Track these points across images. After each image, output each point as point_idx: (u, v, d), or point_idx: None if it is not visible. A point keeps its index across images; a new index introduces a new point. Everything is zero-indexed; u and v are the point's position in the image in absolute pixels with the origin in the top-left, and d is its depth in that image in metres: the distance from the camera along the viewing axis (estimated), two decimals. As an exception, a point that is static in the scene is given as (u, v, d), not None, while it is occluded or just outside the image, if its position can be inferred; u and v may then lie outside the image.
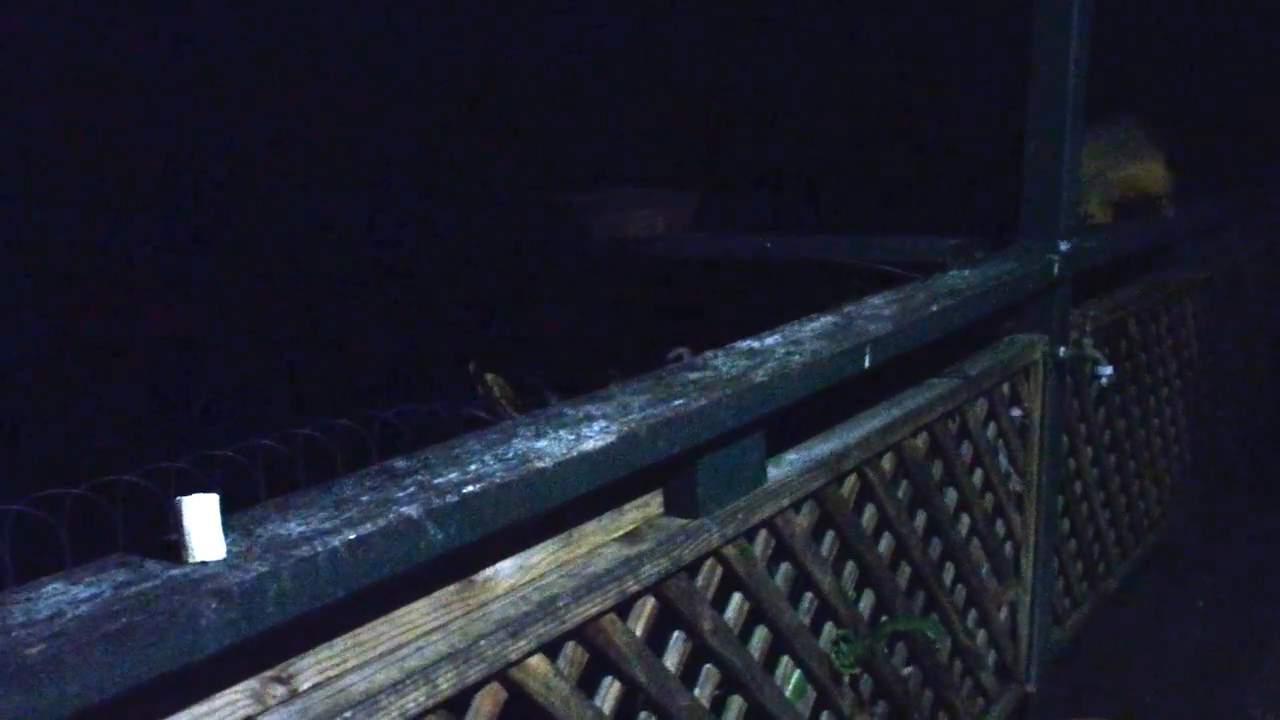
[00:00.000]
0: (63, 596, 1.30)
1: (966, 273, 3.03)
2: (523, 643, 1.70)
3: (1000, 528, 3.32)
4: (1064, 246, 3.32)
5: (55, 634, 1.22)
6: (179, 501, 1.39)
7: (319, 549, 1.40)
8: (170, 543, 1.38)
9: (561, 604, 1.77)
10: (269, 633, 1.38)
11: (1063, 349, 3.41)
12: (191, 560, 1.37)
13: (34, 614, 1.26)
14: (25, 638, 1.21)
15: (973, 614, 3.22)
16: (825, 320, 2.50)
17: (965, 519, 3.10)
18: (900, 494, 2.75)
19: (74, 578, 1.34)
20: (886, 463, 2.67)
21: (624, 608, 1.91)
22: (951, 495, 3.03)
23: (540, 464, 1.66)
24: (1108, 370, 3.57)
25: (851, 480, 2.55)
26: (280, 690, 1.51)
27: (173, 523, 1.38)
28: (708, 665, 2.14)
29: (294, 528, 1.45)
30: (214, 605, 1.30)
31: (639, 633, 1.95)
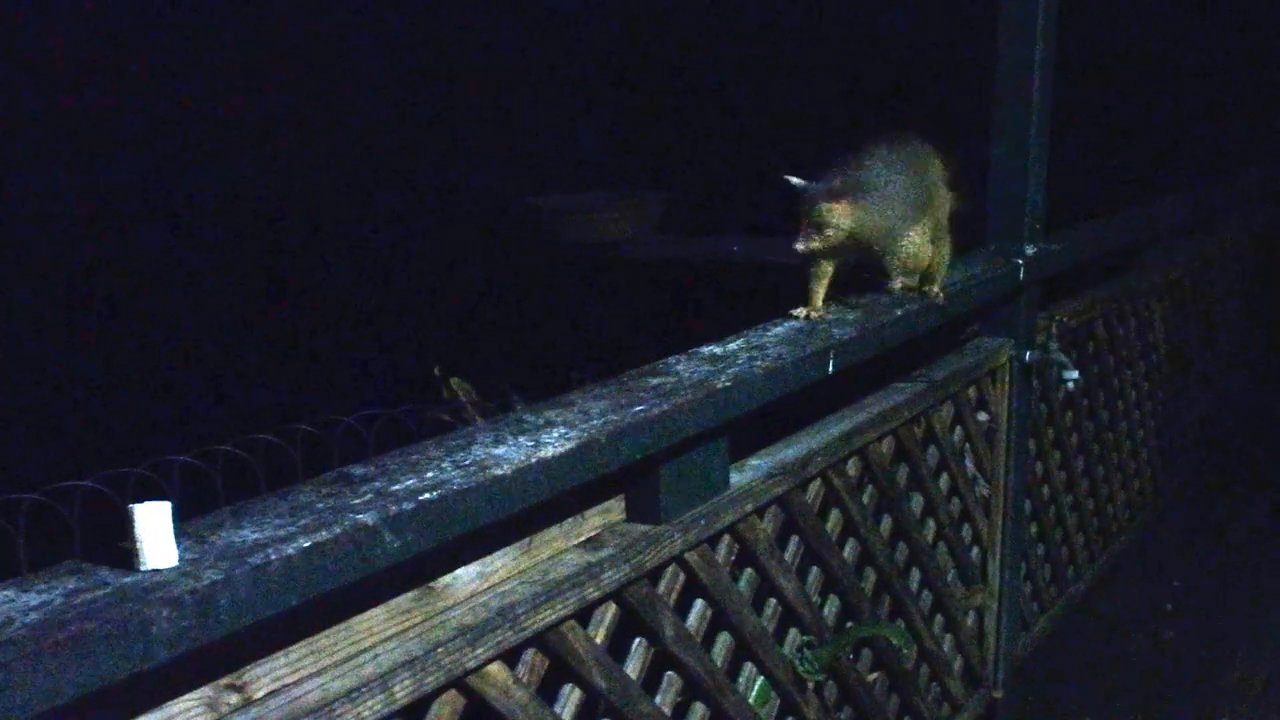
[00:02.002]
0: (13, 604, 1.29)
1: (933, 278, 3.04)
2: (481, 650, 1.70)
3: (967, 532, 3.33)
4: (1029, 250, 3.34)
5: (5, 642, 1.21)
6: (131, 509, 1.38)
7: (273, 556, 1.40)
8: (123, 550, 1.37)
9: (521, 611, 1.77)
10: (222, 640, 1.38)
11: (1029, 353, 3.43)
12: (144, 568, 1.36)
13: (-18, 622, 1.25)
14: (-27, 646, 1.20)
15: (939, 619, 3.23)
16: (789, 325, 2.50)
17: (931, 524, 3.12)
18: (865, 499, 2.76)
19: (25, 585, 1.33)
20: (851, 468, 2.68)
21: (585, 614, 1.91)
22: (917, 500, 3.04)
23: (499, 471, 1.66)
24: (1074, 374, 3.58)
25: (816, 485, 2.55)
26: (234, 698, 1.50)
27: (126, 530, 1.38)
28: (670, 672, 2.14)
29: (248, 535, 1.45)
30: (166, 613, 1.29)
31: (600, 640, 1.95)
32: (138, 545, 1.37)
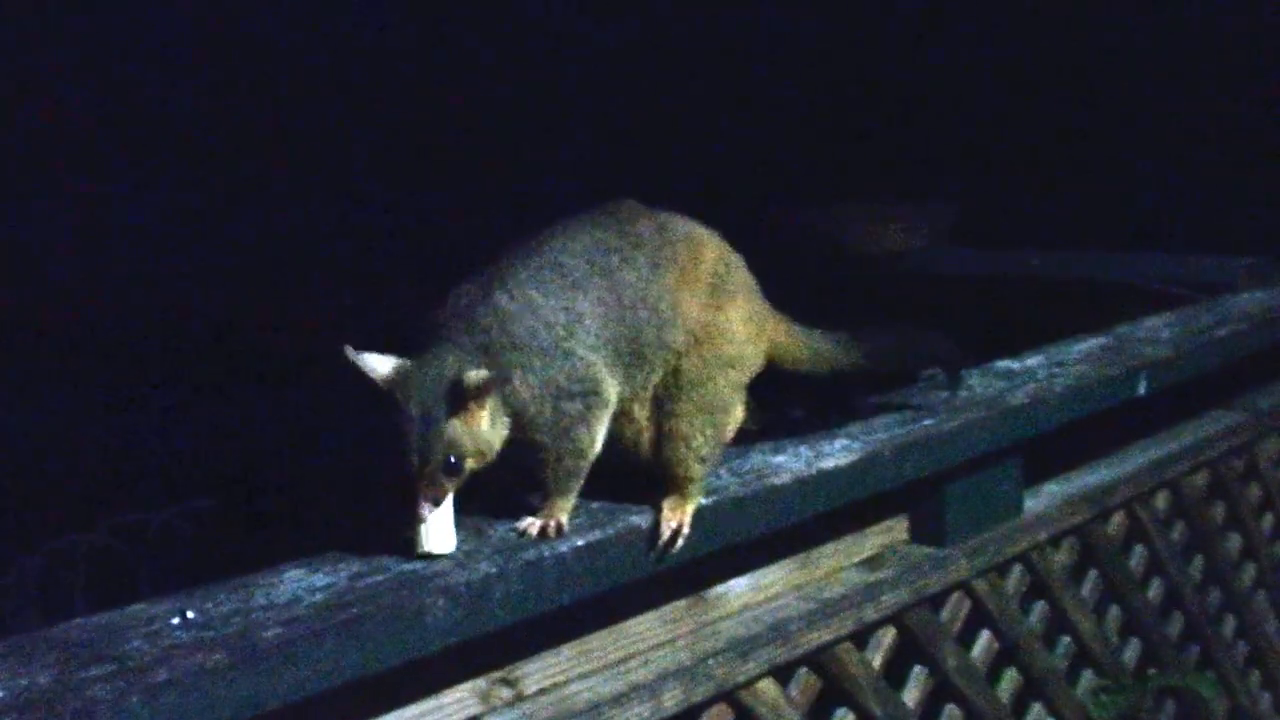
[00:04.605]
0: (301, 583, 1.34)
1: (1261, 295, 2.77)
2: (752, 665, 1.65)
3: (1292, 580, 3.01)
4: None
5: (291, 619, 1.25)
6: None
7: (546, 554, 1.40)
8: (406, 538, 1.40)
9: (795, 628, 1.70)
10: (495, 634, 1.38)
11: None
12: (422, 549, 1.38)
13: (274, 598, 1.30)
14: (263, 620, 1.25)
15: (1256, 674, 2.93)
16: (1094, 341, 2.33)
17: (1250, 568, 2.83)
18: (1174, 535, 2.54)
19: (313, 566, 1.38)
20: (1160, 500, 2.47)
21: (861, 636, 1.82)
22: (1235, 540, 2.77)
23: (777, 480, 1.61)
24: None
25: (1118, 517, 2.36)
26: (506, 692, 1.51)
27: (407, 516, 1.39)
28: (950, 705, 2.01)
29: (523, 530, 1.45)
30: (441, 603, 1.31)
31: (876, 664, 1.85)
32: (420, 528, 1.38)
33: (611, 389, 1.49)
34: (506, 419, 1.42)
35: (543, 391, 1.44)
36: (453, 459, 1.37)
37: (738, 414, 1.58)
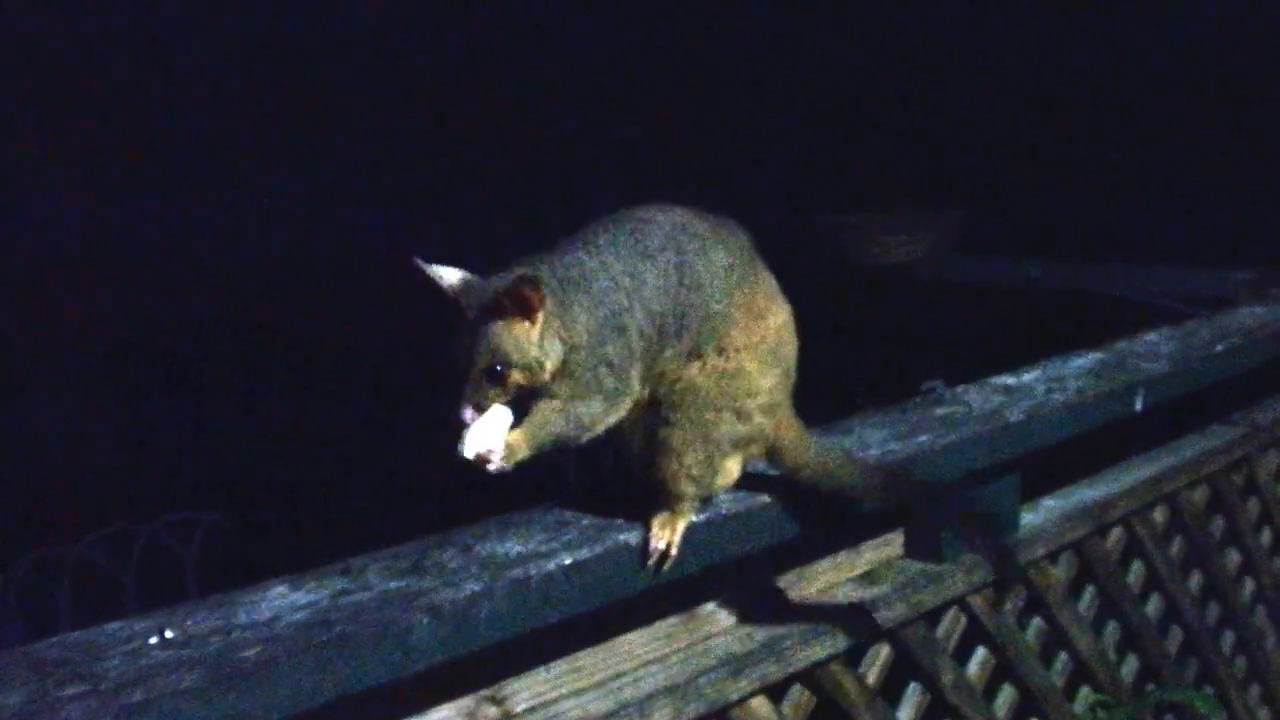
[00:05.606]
0: (284, 601, 1.32)
1: (1261, 310, 2.76)
2: (744, 683, 1.63)
3: (1291, 595, 2.99)
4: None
5: (272, 638, 1.23)
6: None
7: (533, 571, 1.38)
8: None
9: (788, 644, 1.68)
10: (483, 652, 1.37)
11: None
12: (461, 454, 1.36)
13: (255, 616, 1.28)
14: (243, 639, 1.23)
15: (1255, 689, 2.90)
16: (1093, 356, 2.31)
17: (1249, 583, 2.81)
18: (1173, 551, 2.51)
19: (297, 583, 1.36)
20: (1158, 515, 2.44)
21: (856, 653, 1.80)
22: (1233, 556, 2.74)
23: (767, 498, 1.59)
24: None
25: (1117, 532, 2.34)
26: (494, 711, 1.49)
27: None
28: (946, 722, 1.99)
29: (512, 547, 1.44)
30: (425, 621, 1.29)
31: (871, 681, 1.83)
32: (464, 434, 1.37)
33: (635, 390, 1.48)
34: (560, 345, 1.41)
35: (592, 343, 1.43)
36: (497, 365, 1.37)
37: (729, 469, 1.54)
